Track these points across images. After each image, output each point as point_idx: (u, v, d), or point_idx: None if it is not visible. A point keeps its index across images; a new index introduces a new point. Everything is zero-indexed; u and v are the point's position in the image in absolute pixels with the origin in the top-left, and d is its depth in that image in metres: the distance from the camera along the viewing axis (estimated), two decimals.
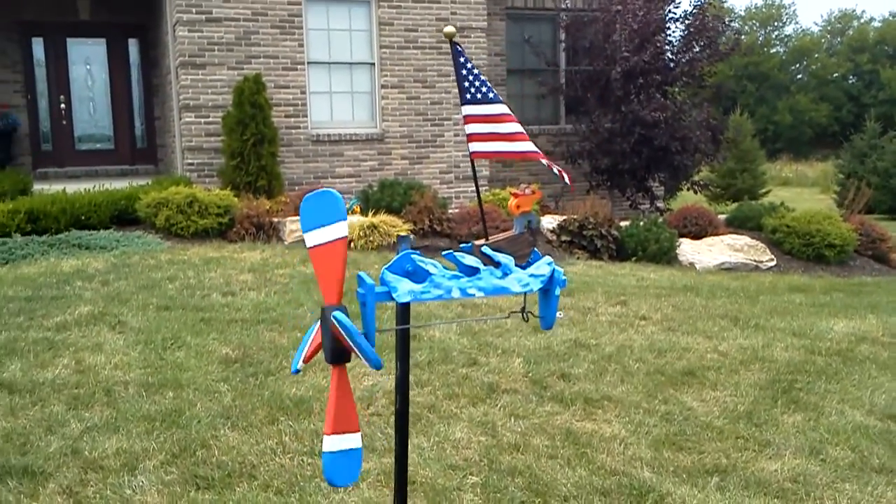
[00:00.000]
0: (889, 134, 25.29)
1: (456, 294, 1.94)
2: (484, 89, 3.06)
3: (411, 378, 4.78)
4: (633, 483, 3.60)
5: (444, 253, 2.12)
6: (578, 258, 10.35)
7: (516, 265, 2.04)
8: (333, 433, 1.89)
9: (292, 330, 5.68)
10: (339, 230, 1.89)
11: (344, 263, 1.94)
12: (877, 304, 7.99)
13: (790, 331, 6.40)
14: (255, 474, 3.60)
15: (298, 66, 11.52)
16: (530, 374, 4.99)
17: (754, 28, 57.76)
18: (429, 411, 4.37)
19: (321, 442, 3.89)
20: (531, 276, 2.00)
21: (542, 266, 2.04)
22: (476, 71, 2.84)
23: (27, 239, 8.36)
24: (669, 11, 13.76)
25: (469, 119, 2.67)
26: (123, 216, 9.59)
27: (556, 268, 2.05)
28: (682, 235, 11.65)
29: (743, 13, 58.80)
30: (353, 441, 1.91)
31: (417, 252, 2.03)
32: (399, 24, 12.03)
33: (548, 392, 4.74)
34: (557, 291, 2.05)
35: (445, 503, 3.41)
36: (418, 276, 1.98)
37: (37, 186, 10.84)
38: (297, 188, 11.25)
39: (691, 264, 10.81)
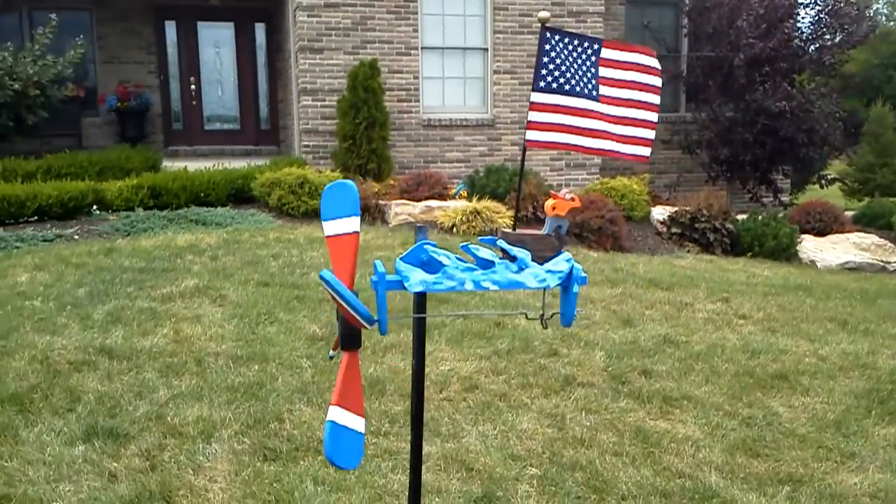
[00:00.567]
0: None
1: (469, 286, 1.93)
2: (564, 80, 2.98)
3: (487, 365, 4.82)
4: (697, 487, 3.49)
5: (461, 245, 2.11)
6: (688, 251, 10.03)
7: (533, 261, 2.01)
8: (338, 405, 1.91)
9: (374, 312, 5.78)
10: (351, 224, 1.93)
11: (355, 256, 1.98)
12: None
13: None
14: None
15: (412, 52, 11.65)
16: (610, 369, 4.90)
17: None
18: (500, 399, 4.37)
19: (377, 421, 3.98)
20: (549, 272, 1.97)
21: (561, 262, 2.00)
22: (563, 61, 2.76)
23: (149, 213, 8.88)
24: None
25: (534, 107, 2.63)
26: (240, 195, 10.03)
27: (575, 265, 2.01)
28: (804, 232, 11.09)
29: None
30: (356, 423, 1.94)
31: (433, 244, 2.03)
32: (514, 9, 11.95)
33: (625, 388, 4.64)
34: (576, 289, 2.01)
35: (500, 492, 3.41)
36: (433, 266, 1.98)
37: (166, 163, 11.49)
38: (406, 172, 11.41)
39: (812, 262, 10.28)
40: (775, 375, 4.93)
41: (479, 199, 9.86)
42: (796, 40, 12.85)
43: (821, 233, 11.23)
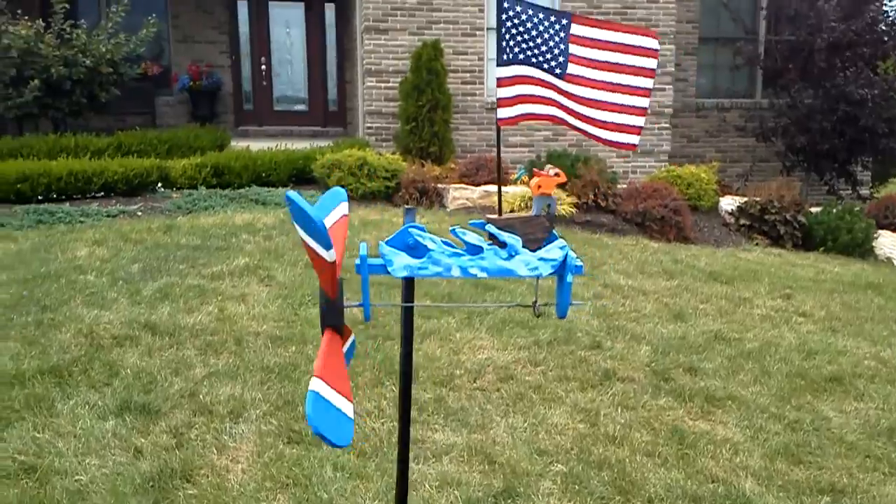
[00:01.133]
0: None
1: (456, 272, 1.85)
2: (529, 52, 2.76)
3: (525, 355, 4.72)
4: (730, 493, 3.34)
5: (450, 229, 2.02)
6: (757, 244, 9.67)
7: (528, 249, 1.91)
8: (321, 377, 1.82)
9: (423, 297, 5.75)
10: (340, 210, 1.89)
11: (344, 237, 1.93)
12: None
13: None
14: None
15: (477, 32, 11.52)
16: (653, 364, 4.74)
17: None
18: (534, 392, 4.28)
19: (413, 410, 3.93)
20: (541, 259, 1.87)
21: (554, 250, 1.90)
22: (527, 30, 2.57)
23: (211, 192, 9.02)
24: None
25: (501, 82, 2.45)
26: (301, 175, 10.10)
27: (570, 253, 1.90)
28: (881, 227, 10.58)
29: None
30: (344, 405, 1.85)
31: (422, 228, 1.95)
32: None
33: (667, 385, 4.48)
34: (570, 278, 1.90)
35: (521, 487, 3.32)
36: (419, 251, 1.91)
37: (235, 143, 11.65)
38: (468, 156, 11.30)
39: (888, 259, 9.79)
40: (829, 378, 4.69)
41: None
42: (881, 24, 12.20)
43: None
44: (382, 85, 11.43)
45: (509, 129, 11.71)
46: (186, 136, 10.98)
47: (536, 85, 2.48)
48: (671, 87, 12.00)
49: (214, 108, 14.05)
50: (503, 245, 1.89)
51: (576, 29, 2.58)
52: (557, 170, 2.17)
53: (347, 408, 1.86)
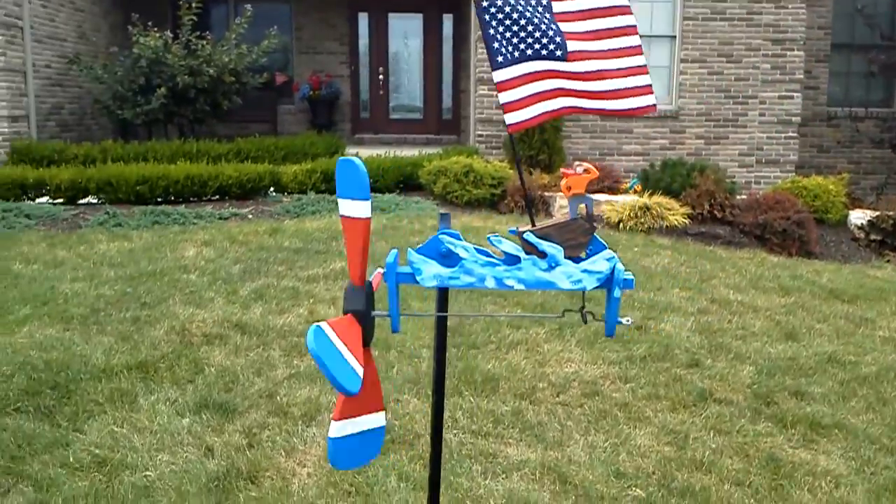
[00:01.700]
0: None
1: (490, 283, 1.71)
2: (523, 46, 2.53)
3: (615, 371, 4.50)
4: None
5: (488, 236, 1.88)
6: (888, 261, 8.95)
7: (571, 257, 1.74)
8: (329, 324, 1.74)
9: (514, 306, 5.59)
10: (361, 209, 1.77)
11: (365, 243, 1.83)
12: None
13: None
14: (415, 444, 3.60)
15: None
16: (755, 386, 4.40)
17: None
18: (619, 410, 4.05)
19: (481, 420, 3.79)
20: (584, 271, 1.70)
21: (600, 262, 1.72)
22: (512, 23, 2.35)
23: (319, 196, 9.18)
24: None
25: (501, 86, 2.26)
26: (408, 182, 10.14)
27: (618, 265, 1.72)
28: None
29: None
30: (346, 352, 1.75)
31: (457, 234, 1.82)
32: None
33: (769, 409, 4.14)
34: (617, 293, 1.72)
35: None
36: (453, 259, 1.78)
37: (350, 150, 11.85)
38: None
39: None
40: None
41: (652, 194, 9.34)
42: None
43: None
44: (494, 93, 11.30)
45: (624, 137, 11.38)
46: (302, 143, 11.25)
47: (543, 79, 2.29)
48: (799, 94, 11.34)
49: (333, 116, 14.37)
50: (543, 255, 1.74)
51: (557, 6, 2.40)
52: (587, 165, 1.99)
53: (353, 360, 1.75)
